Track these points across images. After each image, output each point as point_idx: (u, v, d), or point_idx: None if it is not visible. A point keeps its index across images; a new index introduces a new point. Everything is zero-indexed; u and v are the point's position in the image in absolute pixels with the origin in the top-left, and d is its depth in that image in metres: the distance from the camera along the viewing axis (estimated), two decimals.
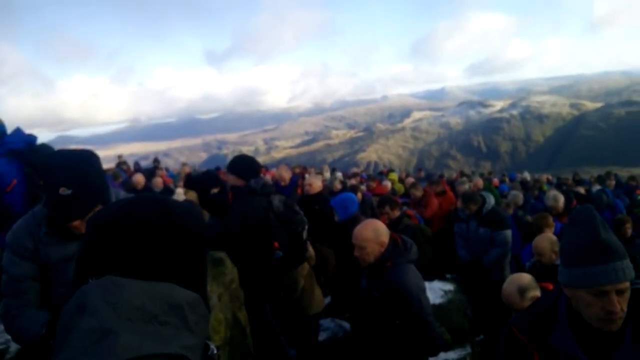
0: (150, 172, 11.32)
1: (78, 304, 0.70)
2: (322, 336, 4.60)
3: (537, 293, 2.77)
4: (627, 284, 1.52)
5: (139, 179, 8.04)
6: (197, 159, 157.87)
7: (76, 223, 1.83)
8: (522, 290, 2.78)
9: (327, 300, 5.10)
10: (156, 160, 14.87)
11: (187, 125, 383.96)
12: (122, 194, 2.17)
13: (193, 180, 5.91)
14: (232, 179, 3.62)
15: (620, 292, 1.51)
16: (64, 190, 1.73)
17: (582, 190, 10.30)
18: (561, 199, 5.96)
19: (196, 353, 0.73)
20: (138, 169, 13.76)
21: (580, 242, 1.58)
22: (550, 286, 2.83)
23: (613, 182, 11.77)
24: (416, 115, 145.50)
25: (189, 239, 0.84)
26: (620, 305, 1.50)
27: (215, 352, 0.86)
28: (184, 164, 13.33)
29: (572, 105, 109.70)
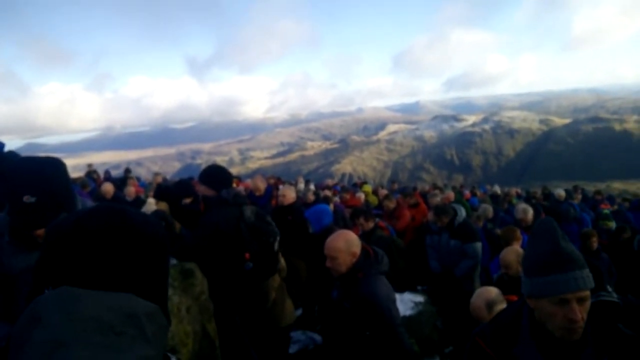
0: (121, 182, 11.12)
1: (32, 315, 0.68)
2: (292, 348, 4.58)
3: (504, 306, 2.81)
4: (587, 293, 1.57)
5: (108, 188, 7.88)
6: (171, 169, 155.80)
7: (40, 232, 1.77)
8: (490, 305, 2.83)
9: (299, 312, 5.08)
10: (127, 170, 14.63)
11: (161, 134, 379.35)
12: (90, 203, 2.13)
13: (163, 190, 5.82)
14: (203, 189, 3.59)
15: (580, 301, 1.55)
16: (27, 198, 1.68)
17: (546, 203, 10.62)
18: (530, 212, 6.10)
19: None
20: (108, 178, 13.50)
21: (541, 253, 1.62)
22: (516, 298, 2.89)
23: (580, 196, 12.10)
24: (391, 128, 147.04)
25: (148, 249, 0.84)
26: (581, 314, 1.54)
27: None
28: (156, 174, 13.14)
29: (541, 121, 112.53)
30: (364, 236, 5.49)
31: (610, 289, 2.63)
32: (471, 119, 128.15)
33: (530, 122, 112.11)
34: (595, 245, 6.01)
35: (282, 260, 3.87)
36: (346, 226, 6.05)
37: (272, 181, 12.46)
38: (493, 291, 2.96)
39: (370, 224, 5.71)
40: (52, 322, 0.67)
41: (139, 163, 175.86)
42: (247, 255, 3.35)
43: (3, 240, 1.84)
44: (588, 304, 1.57)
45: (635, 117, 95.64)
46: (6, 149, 3.41)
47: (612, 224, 7.78)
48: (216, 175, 3.64)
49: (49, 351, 0.64)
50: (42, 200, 1.70)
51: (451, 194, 9.64)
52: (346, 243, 2.82)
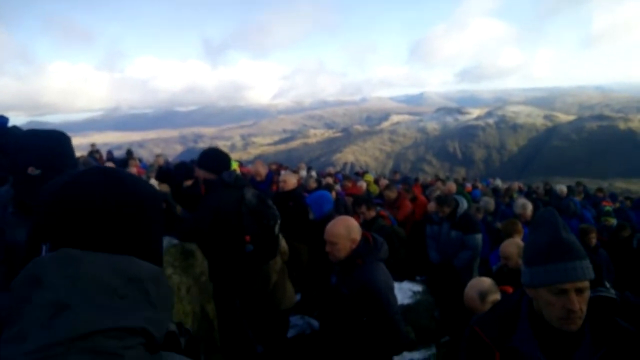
0: (122, 163, 11.14)
1: (33, 277, 0.68)
2: (290, 333, 4.60)
3: (497, 297, 2.83)
4: (587, 284, 1.57)
5: None
6: (173, 152, 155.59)
7: None
8: (483, 295, 2.85)
9: (297, 297, 5.10)
10: (129, 152, 14.66)
11: (164, 117, 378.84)
12: None
13: (165, 172, 5.83)
14: (202, 174, 3.57)
15: (579, 292, 1.55)
16: (32, 170, 1.69)
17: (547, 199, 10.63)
18: (529, 207, 6.10)
19: (158, 327, 0.73)
20: (110, 158, 13.52)
21: (541, 242, 1.62)
22: (510, 289, 2.90)
23: (582, 194, 12.10)
24: (394, 118, 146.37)
25: (143, 209, 0.83)
26: (580, 304, 1.54)
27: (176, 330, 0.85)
28: (158, 155, 13.15)
29: (546, 117, 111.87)
30: (366, 225, 5.50)
31: (608, 285, 2.64)
32: (475, 112, 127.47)
33: (534, 117, 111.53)
34: (594, 241, 6.01)
35: (284, 244, 3.88)
36: (347, 214, 6.05)
37: (273, 167, 12.45)
38: (486, 282, 2.98)
39: (372, 213, 5.71)
40: (54, 284, 0.67)
41: (141, 145, 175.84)
42: (247, 237, 3.36)
43: (7, 212, 1.84)
44: (587, 294, 1.57)
45: None
46: (9, 124, 3.42)
47: (614, 221, 7.76)
48: (215, 158, 3.62)
49: (53, 313, 0.64)
50: (47, 173, 1.71)
51: (453, 185, 9.63)
52: (346, 229, 2.83)
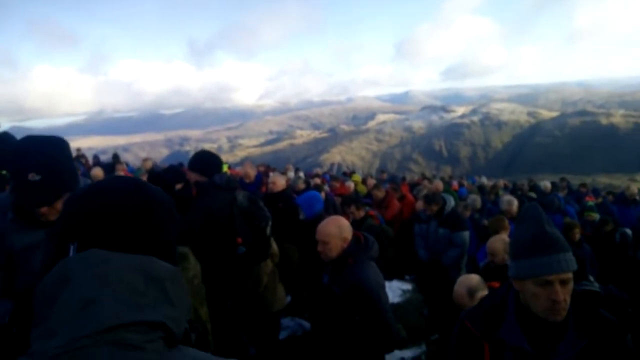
0: (109, 167, 11.07)
1: (62, 276, 0.73)
2: (282, 335, 4.64)
3: (485, 293, 2.90)
4: (570, 275, 1.64)
5: (98, 173, 7.85)
6: (159, 155, 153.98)
7: (44, 210, 1.80)
8: (472, 292, 2.91)
9: (288, 299, 5.14)
10: (116, 156, 14.57)
11: (149, 120, 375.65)
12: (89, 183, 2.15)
13: (156, 175, 5.82)
14: (194, 176, 3.58)
15: (563, 283, 1.63)
16: (32, 176, 1.70)
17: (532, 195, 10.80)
18: (515, 203, 6.21)
19: (176, 323, 0.78)
20: (97, 162, 13.43)
21: (526, 236, 1.70)
22: (497, 285, 2.97)
23: (566, 189, 12.30)
24: (380, 118, 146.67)
25: (162, 213, 0.89)
26: (564, 295, 1.62)
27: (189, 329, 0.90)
28: (145, 159, 13.07)
29: (529, 114, 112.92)
30: (355, 224, 5.55)
31: (592, 279, 2.73)
32: (460, 110, 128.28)
33: (518, 114, 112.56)
34: (577, 236, 6.13)
35: (275, 246, 3.91)
36: (337, 214, 6.10)
37: (261, 169, 12.47)
38: (474, 278, 3.05)
39: (361, 213, 5.77)
40: (81, 282, 0.72)
41: (126, 149, 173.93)
42: (239, 239, 3.39)
43: (6, 218, 1.86)
44: (571, 286, 1.65)
45: (621, 112, 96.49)
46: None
47: (596, 216, 7.89)
48: (206, 161, 3.64)
49: (81, 308, 0.69)
50: (47, 179, 1.73)
51: (440, 184, 9.74)
52: (338, 228, 2.88)
